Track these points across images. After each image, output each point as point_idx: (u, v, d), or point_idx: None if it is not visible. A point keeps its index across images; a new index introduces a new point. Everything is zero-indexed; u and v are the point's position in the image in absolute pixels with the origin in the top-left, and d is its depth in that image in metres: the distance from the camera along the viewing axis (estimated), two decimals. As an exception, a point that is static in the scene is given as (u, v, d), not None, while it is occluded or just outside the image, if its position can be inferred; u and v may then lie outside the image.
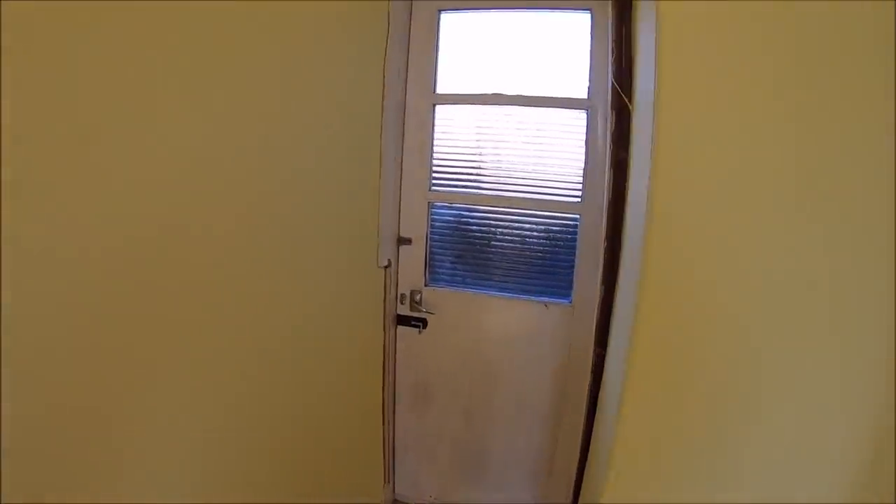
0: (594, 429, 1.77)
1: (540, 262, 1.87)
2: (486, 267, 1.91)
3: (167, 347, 0.99)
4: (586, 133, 1.74)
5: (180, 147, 0.97)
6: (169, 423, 1.01)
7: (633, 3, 1.55)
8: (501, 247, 1.88)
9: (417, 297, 1.96)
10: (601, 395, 1.73)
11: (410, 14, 1.84)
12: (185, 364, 1.04)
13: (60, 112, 0.75)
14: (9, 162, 0.67)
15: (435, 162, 1.89)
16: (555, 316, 1.86)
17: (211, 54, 1.03)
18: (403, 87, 1.86)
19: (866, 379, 1.07)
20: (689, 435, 1.24)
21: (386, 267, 1.87)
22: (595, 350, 1.74)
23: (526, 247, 1.87)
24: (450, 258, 1.95)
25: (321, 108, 1.44)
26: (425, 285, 1.96)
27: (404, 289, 1.98)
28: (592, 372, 1.76)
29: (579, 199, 1.78)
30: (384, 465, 2.11)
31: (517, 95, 1.80)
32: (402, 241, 1.94)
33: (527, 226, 1.85)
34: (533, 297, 1.88)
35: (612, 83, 1.59)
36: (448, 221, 1.93)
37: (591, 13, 1.71)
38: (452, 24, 1.85)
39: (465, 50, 1.86)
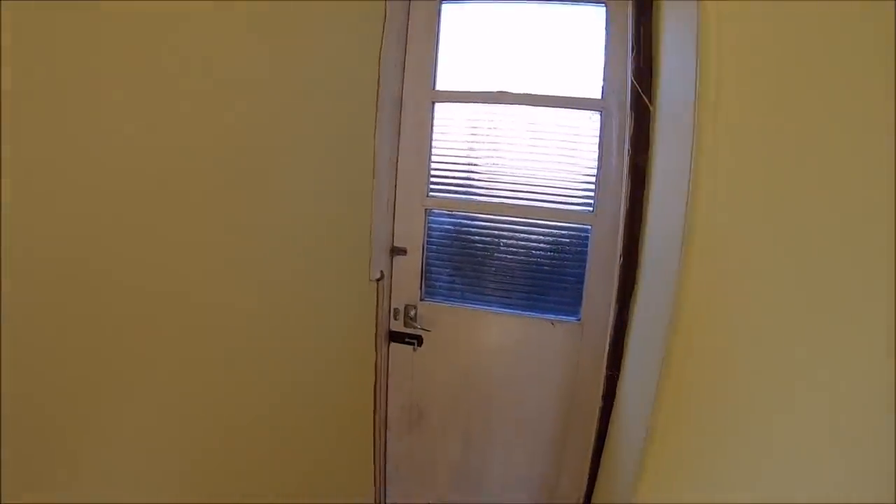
0: (604, 457, 1.64)
1: (546, 276, 1.72)
2: (488, 281, 1.76)
3: (135, 375, 0.88)
4: (600, 136, 1.60)
5: (147, 147, 0.81)
6: (144, 444, 0.92)
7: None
8: (505, 259, 1.74)
9: (412, 313, 1.80)
10: (614, 420, 1.59)
11: (409, 3, 1.68)
12: (156, 389, 0.93)
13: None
14: None
15: (433, 165, 1.74)
16: (562, 334, 1.72)
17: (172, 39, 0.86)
18: (400, 83, 1.70)
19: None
20: (722, 473, 1.11)
21: (378, 280, 1.70)
22: (607, 372, 1.60)
23: (531, 259, 1.72)
24: (448, 271, 1.79)
25: (307, 102, 1.29)
26: (421, 300, 1.80)
27: (398, 303, 1.81)
28: (604, 396, 1.62)
29: (591, 209, 1.64)
30: (375, 490, 1.95)
31: (524, 94, 1.65)
32: (397, 251, 1.78)
33: (533, 236, 1.71)
34: (538, 314, 1.73)
35: (632, 82, 1.45)
36: (447, 230, 1.77)
37: (606, 7, 1.58)
38: (454, 16, 1.70)
39: (468, 44, 1.71)
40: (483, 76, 1.70)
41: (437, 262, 1.79)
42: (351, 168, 1.55)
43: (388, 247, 1.77)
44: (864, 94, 0.84)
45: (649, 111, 1.44)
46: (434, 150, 1.73)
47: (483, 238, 1.74)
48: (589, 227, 1.64)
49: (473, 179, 1.73)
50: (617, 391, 1.59)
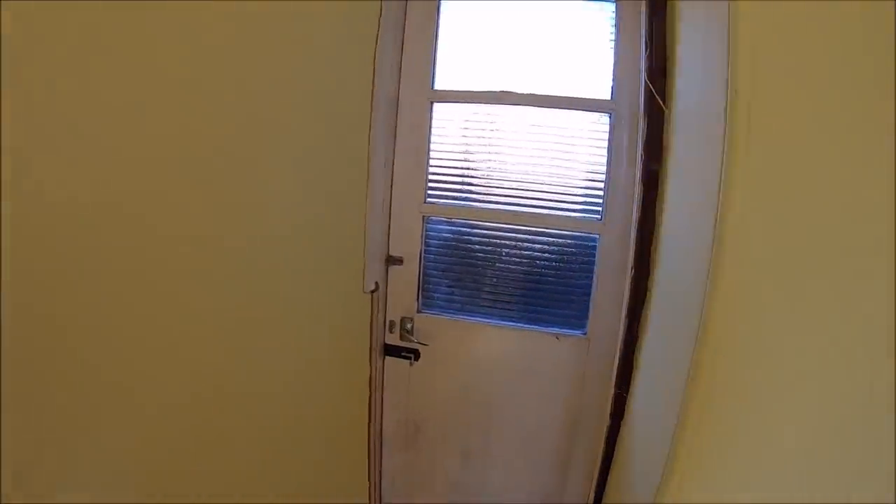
0: (611, 479, 1.55)
1: (551, 287, 1.62)
2: (489, 292, 1.66)
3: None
4: (609, 140, 1.51)
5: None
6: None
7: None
8: (507, 269, 1.64)
9: (409, 326, 1.70)
10: (623, 441, 1.50)
11: (406, -3, 1.58)
12: (146, 402, 0.90)
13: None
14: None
15: (431, 169, 1.64)
16: (566, 349, 1.63)
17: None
18: (396, 82, 1.60)
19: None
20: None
21: (373, 291, 1.60)
22: (615, 391, 1.51)
23: (535, 270, 1.62)
24: (446, 281, 1.69)
25: (295, 102, 1.20)
26: (418, 312, 1.70)
27: (394, 315, 1.71)
28: (612, 415, 1.53)
29: (599, 216, 1.54)
30: (368, 510, 1.86)
31: (528, 94, 1.55)
32: (392, 260, 1.68)
33: (537, 245, 1.61)
34: (542, 328, 1.64)
35: (645, 83, 1.36)
36: (446, 239, 1.67)
37: (616, 4, 1.48)
38: (454, 11, 1.60)
39: (468, 41, 1.61)
40: (484, 75, 1.60)
41: (435, 272, 1.69)
42: (343, 172, 1.45)
43: (384, 256, 1.67)
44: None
45: (664, 114, 1.35)
46: (432, 154, 1.63)
47: (484, 247, 1.65)
48: (597, 235, 1.55)
49: (474, 185, 1.63)
50: (626, 410, 1.50)
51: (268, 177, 1.14)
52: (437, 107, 1.61)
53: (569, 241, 1.59)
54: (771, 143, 0.86)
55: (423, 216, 1.65)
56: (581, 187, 1.57)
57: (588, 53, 1.54)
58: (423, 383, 1.75)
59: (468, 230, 1.65)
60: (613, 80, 1.50)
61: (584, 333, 1.61)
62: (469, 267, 1.66)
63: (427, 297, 1.71)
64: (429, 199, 1.65)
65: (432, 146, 1.62)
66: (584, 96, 1.53)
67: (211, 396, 1.04)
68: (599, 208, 1.54)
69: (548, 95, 1.54)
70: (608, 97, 1.51)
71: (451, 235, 1.66)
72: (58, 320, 0.71)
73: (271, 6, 1.05)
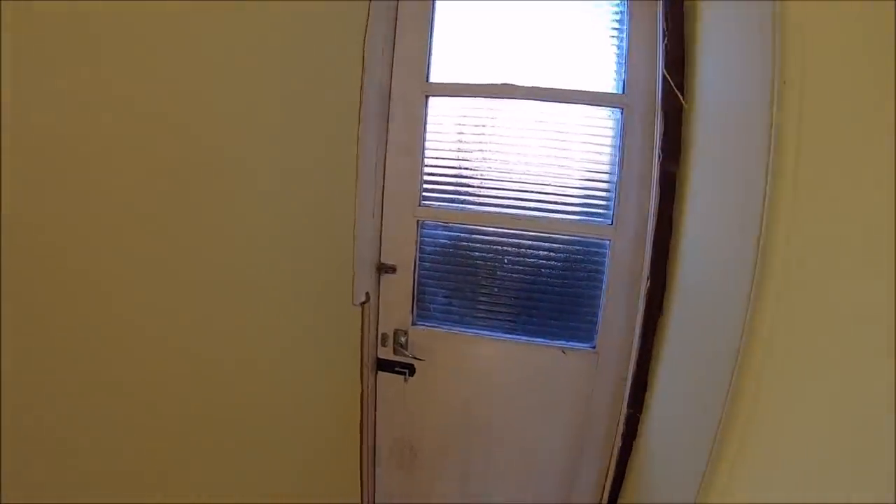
0: (622, 505, 1.44)
1: (557, 297, 1.50)
2: (490, 302, 1.54)
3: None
4: (620, 137, 1.38)
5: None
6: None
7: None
8: (509, 277, 1.51)
9: (403, 339, 1.57)
10: (634, 465, 1.39)
11: (398, -20, 1.44)
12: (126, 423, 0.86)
13: None
14: None
15: (426, 169, 1.50)
16: (573, 363, 1.51)
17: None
18: (388, 73, 1.46)
19: None
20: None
21: (364, 302, 1.47)
22: (628, 410, 1.39)
23: (539, 278, 1.50)
24: (444, 291, 1.56)
25: (275, 94, 1.06)
26: (413, 324, 1.57)
27: (387, 328, 1.58)
28: (623, 436, 1.41)
29: (609, 221, 1.42)
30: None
31: (532, 87, 1.42)
32: (385, 268, 1.54)
33: (541, 252, 1.48)
34: (547, 341, 1.51)
35: (663, 75, 1.23)
36: (442, 245, 1.54)
37: (628, -12, 1.36)
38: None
39: (467, 30, 1.48)
40: (484, 67, 1.47)
41: (432, 281, 1.56)
42: (329, 173, 1.31)
43: (375, 264, 1.54)
44: None
45: (683, 109, 1.23)
46: (427, 153, 1.50)
47: (484, 253, 1.52)
48: (607, 241, 1.43)
49: (473, 186, 1.49)
50: (640, 431, 1.38)
51: (243, 178, 1.01)
52: (432, 101, 1.47)
53: (576, 248, 1.47)
54: (828, 138, 0.74)
55: (418, 220, 1.51)
56: (589, 189, 1.44)
57: (596, 43, 1.42)
58: (418, 401, 1.62)
59: (467, 235, 1.52)
60: (625, 71, 1.38)
61: (593, 347, 1.49)
62: (468, 275, 1.53)
63: (422, 309, 1.58)
64: (424, 202, 1.51)
65: (427, 144, 1.49)
66: (593, 90, 1.41)
67: (191, 417, 0.94)
68: (609, 212, 1.42)
69: (553, 89, 1.42)
70: (619, 91, 1.38)
71: (449, 241, 1.53)
72: (45, 321, 0.72)
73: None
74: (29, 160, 0.67)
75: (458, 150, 1.50)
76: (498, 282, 1.52)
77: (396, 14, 1.45)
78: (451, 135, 1.50)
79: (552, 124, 1.44)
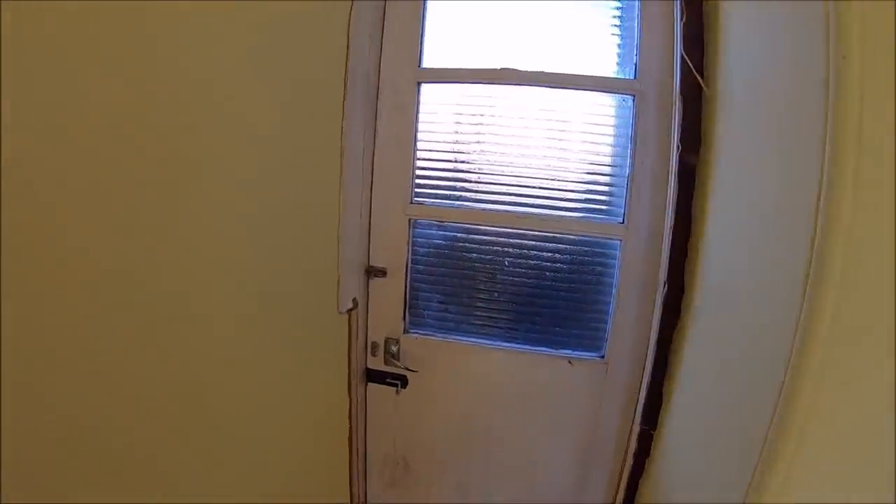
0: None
1: (563, 302, 1.38)
2: (489, 308, 1.42)
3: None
4: (633, 127, 1.26)
5: None
6: None
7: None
8: (510, 281, 1.39)
9: (394, 348, 1.44)
10: (646, 487, 1.27)
11: (386, -46, 1.31)
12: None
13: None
14: None
15: (419, 163, 1.38)
16: (580, 374, 1.39)
17: None
18: (377, 57, 1.33)
19: None
20: None
21: (351, 310, 1.34)
22: (640, 427, 1.27)
23: (543, 282, 1.37)
24: (438, 296, 1.44)
25: (251, 80, 0.94)
26: (405, 332, 1.44)
27: (377, 336, 1.46)
28: (635, 454, 1.30)
29: (620, 219, 1.30)
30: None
31: (535, 72, 1.30)
32: (374, 272, 1.41)
33: (545, 253, 1.36)
34: (552, 350, 1.39)
35: (681, 57, 1.11)
36: (437, 246, 1.41)
37: (639, -38, 1.23)
38: (445, -27, 1.33)
39: (463, 10, 1.35)
40: (482, 51, 1.34)
41: (425, 285, 1.43)
42: (312, 167, 1.19)
43: (363, 267, 1.41)
44: None
45: (704, 95, 1.10)
46: (420, 145, 1.37)
47: (482, 255, 1.39)
48: (618, 241, 1.30)
49: (470, 181, 1.37)
50: (653, 450, 1.27)
51: (218, 174, 0.89)
52: (425, 88, 1.35)
53: (583, 248, 1.35)
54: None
55: (410, 219, 1.39)
56: (597, 184, 1.32)
57: (605, 24, 1.29)
58: (411, 414, 1.50)
59: (463, 235, 1.39)
60: (636, 55, 1.25)
61: (601, 356, 1.37)
62: (464, 279, 1.41)
63: (416, 315, 1.45)
64: (416, 200, 1.39)
65: (420, 135, 1.36)
66: (602, 75, 1.28)
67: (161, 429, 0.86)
68: (620, 209, 1.30)
69: (557, 74, 1.29)
70: (630, 76, 1.26)
71: (444, 242, 1.41)
72: (42, 322, 0.71)
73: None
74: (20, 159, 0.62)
75: (454, 143, 1.37)
76: (497, 286, 1.40)
77: (385, -8, 1.32)
78: (446, 125, 1.37)
79: (556, 113, 1.31)
